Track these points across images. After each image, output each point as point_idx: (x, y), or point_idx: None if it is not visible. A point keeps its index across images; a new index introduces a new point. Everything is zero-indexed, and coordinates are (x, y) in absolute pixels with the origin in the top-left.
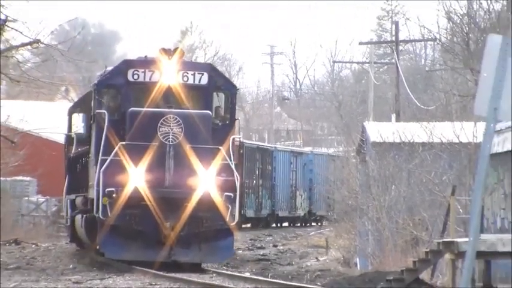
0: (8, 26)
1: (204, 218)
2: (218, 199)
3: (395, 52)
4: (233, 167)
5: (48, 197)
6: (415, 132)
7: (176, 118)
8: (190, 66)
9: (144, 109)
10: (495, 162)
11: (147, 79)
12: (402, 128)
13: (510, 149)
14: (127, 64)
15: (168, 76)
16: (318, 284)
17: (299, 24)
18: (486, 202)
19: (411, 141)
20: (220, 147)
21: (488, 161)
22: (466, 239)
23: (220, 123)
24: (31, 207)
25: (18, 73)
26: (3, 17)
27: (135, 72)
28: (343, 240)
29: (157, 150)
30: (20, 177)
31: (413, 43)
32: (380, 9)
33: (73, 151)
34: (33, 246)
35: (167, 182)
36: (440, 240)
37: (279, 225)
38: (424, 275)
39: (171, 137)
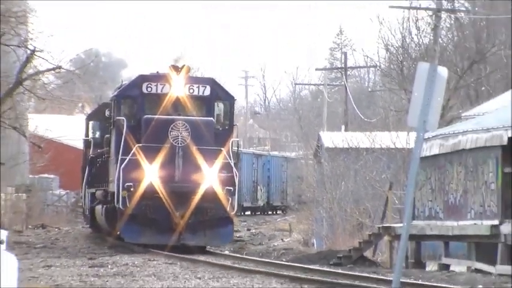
0: (36, 55)
1: (208, 208)
2: (220, 192)
3: (344, 76)
4: (233, 165)
5: (68, 190)
6: (360, 139)
7: (184, 124)
8: (195, 80)
9: (157, 116)
10: (424, 164)
11: (159, 91)
12: (350, 136)
13: (435, 153)
14: (142, 78)
15: (177, 88)
16: (283, 259)
17: (268, 53)
18: (416, 195)
19: (357, 146)
20: (221, 149)
21: (418, 163)
22: (401, 225)
23: (220, 128)
24: (54, 198)
25: (44, 92)
26: (32, 48)
27: (149, 85)
28: (303, 225)
29: (168, 151)
30: (46, 175)
31: (358, 69)
32: (332, 42)
33: (91, 152)
34: (56, 229)
35: (177, 177)
36: (380, 225)
37: (242, 213)
38: (368, 253)
39: (180, 139)
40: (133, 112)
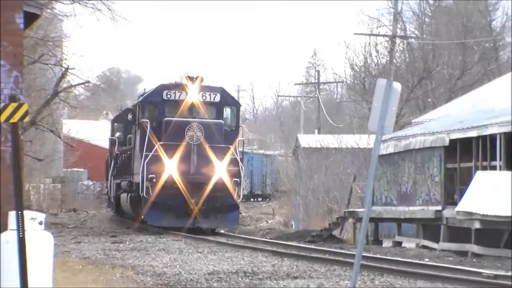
0: (69, 72)
1: (219, 197)
2: (228, 183)
3: (317, 90)
4: (239, 160)
5: (94, 181)
6: (330, 141)
7: (198, 125)
8: (208, 88)
9: (175, 119)
10: (381, 161)
11: (177, 97)
12: (322, 138)
13: (391, 152)
14: (163, 87)
15: (192, 95)
16: (267, 237)
17: (256, 71)
18: (375, 186)
19: (327, 146)
20: (230, 146)
21: (377, 160)
22: (362, 210)
23: (228, 129)
24: (83, 188)
25: (75, 102)
26: (65, 66)
27: (168, 92)
28: (284, 210)
29: (185, 148)
30: (76, 169)
31: (329, 84)
32: (308, 62)
33: (116, 149)
34: (85, 213)
35: (192, 170)
36: (346, 210)
37: None
38: (336, 232)
39: (195, 138)
40: (155, 115)
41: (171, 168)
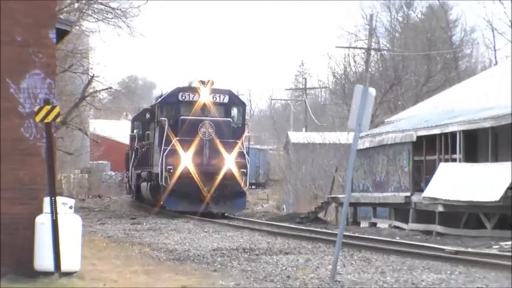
0: (94, 79)
1: (228, 185)
2: (236, 173)
3: (304, 94)
4: (245, 153)
5: (116, 172)
6: (315, 137)
7: (210, 123)
8: (218, 91)
9: (190, 117)
10: (359, 154)
11: (191, 99)
12: (308, 135)
13: (367, 147)
14: (178, 89)
15: (204, 97)
16: (263, 219)
17: (253, 77)
18: (354, 175)
19: (313, 142)
20: (237, 141)
21: (355, 153)
22: (343, 196)
23: (236, 126)
24: (107, 177)
25: (100, 105)
26: (91, 74)
27: (183, 94)
28: (276, 196)
29: (198, 142)
30: (101, 161)
31: (314, 89)
32: (296, 70)
33: (136, 144)
34: (108, 199)
35: (205, 162)
36: (329, 196)
37: None
38: (321, 215)
39: (207, 134)
40: (171, 114)
41: (186, 160)
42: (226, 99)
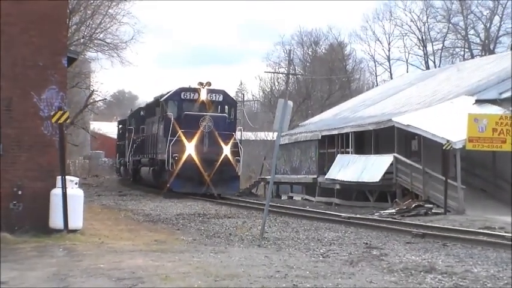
0: (94, 93)
1: (225, 170)
2: (232, 160)
3: (242, 105)
4: (239, 143)
5: (109, 158)
6: (250, 136)
7: (210, 118)
8: (214, 91)
9: (193, 113)
10: (281, 148)
11: (191, 97)
12: (245, 134)
13: (286, 142)
14: (181, 89)
15: (203, 96)
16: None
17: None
18: (277, 163)
19: (248, 139)
20: (233, 133)
21: (278, 147)
22: (269, 176)
23: (229, 121)
24: (102, 162)
25: (98, 111)
26: (91, 89)
27: (185, 93)
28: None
29: (200, 134)
30: (98, 151)
31: (249, 101)
32: (237, 88)
33: (133, 135)
34: (103, 178)
35: (205, 150)
36: (259, 177)
37: None
38: (254, 191)
39: (207, 127)
40: (175, 110)
41: (190, 149)
42: (221, 98)
